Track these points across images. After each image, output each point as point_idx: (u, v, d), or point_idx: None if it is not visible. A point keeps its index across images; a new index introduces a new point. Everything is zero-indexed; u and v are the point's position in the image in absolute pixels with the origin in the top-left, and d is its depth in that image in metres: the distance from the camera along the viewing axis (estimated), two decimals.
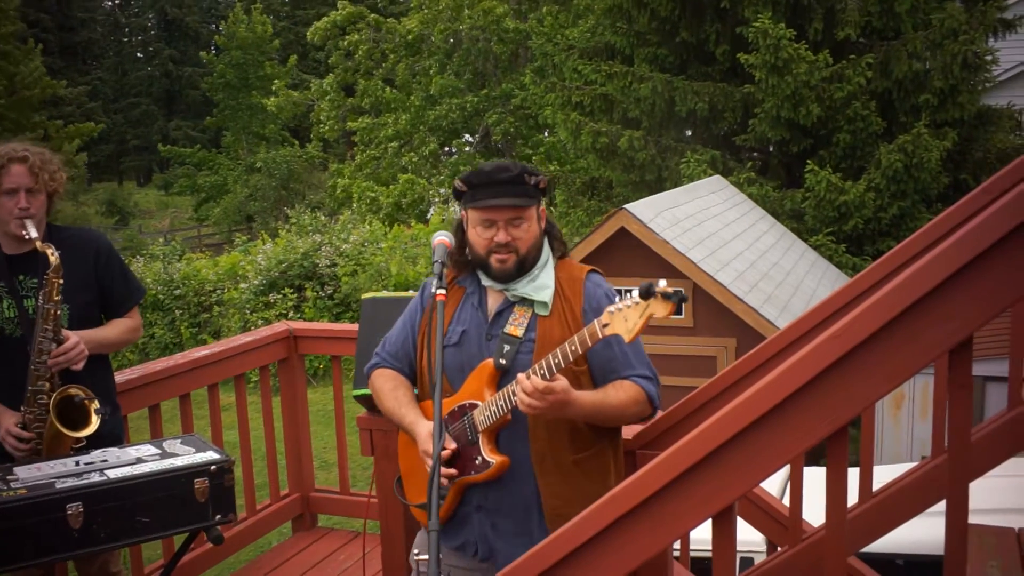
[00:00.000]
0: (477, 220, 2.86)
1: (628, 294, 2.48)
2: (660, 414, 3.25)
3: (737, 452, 2.05)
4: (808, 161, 14.17)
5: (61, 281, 3.49)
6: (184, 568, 4.41)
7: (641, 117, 16.03)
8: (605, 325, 2.52)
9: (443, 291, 2.77)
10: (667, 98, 15.38)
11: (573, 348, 2.60)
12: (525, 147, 28.51)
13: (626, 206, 10.35)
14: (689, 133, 16.61)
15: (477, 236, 2.87)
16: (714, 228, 11.47)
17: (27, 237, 3.51)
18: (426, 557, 2.34)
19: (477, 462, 2.81)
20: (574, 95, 16.97)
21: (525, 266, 2.87)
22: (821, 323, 3.42)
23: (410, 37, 29.46)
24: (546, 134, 28.12)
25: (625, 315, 2.47)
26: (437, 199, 27.12)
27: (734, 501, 2.12)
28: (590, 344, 2.58)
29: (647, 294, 2.41)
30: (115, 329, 3.77)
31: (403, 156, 29.17)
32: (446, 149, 30.48)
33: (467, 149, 29.91)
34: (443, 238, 2.92)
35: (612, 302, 2.77)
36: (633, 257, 10.06)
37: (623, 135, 15.71)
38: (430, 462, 2.68)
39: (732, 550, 2.20)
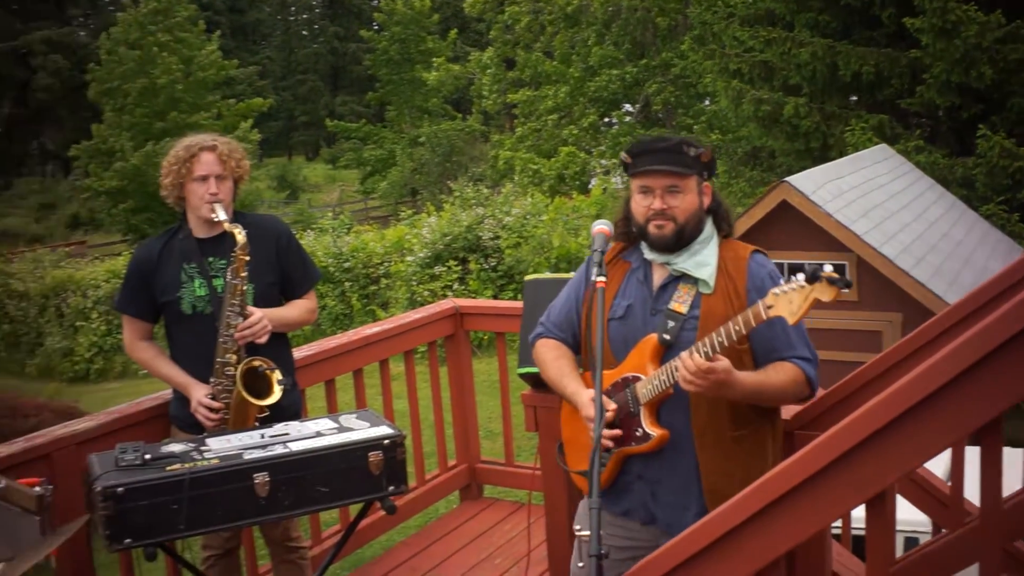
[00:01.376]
0: (637, 188, 2.95)
1: (793, 277, 2.50)
2: (821, 392, 3.25)
3: (895, 437, 2.07)
4: (980, 126, 13.62)
5: (248, 258, 3.71)
6: (359, 534, 4.61)
7: (802, 83, 15.66)
8: (769, 307, 2.54)
9: (603, 278, 2.83)
10: (828, 63, 14.97)
11: (736, 328, 2.63)
12: (686, 117, 28.12)
13: (788, 178, 10.20)
14: (854, 99, 16.15)
15: (637, 205, 2.94)
16: (879, 199, 11.19)
17: (216, 220, 3.75)
18: (587, 533, 2.42)
19: (638, 434, 2.87)
20: (732, 62, 16.68)
21: (683, 237, 2.90)
22: (993, 299, 3.28)
23: (569, 9, 29.38)
24: (707, 103, 27.67)
25: (790, 298, 2.49)
26: (598, 170, 27.06)
27: (890, 486, 2.15)
28: (753, 325, 2.61)
29: (813, 278, 2.42)
30: (295, 309, 3.99)
31: (563, 128, 29.18)
32: (606, 120, 30.35)
33: (627, 119, 29.72)
34: (602, 227, 2.98)
35: (776, 282, 2.78)
36: (795, 231, 9.93)
37: (787, 102, 15.38)
38: (592, 426, 2.76)
39: (890, 534, 2.23)
